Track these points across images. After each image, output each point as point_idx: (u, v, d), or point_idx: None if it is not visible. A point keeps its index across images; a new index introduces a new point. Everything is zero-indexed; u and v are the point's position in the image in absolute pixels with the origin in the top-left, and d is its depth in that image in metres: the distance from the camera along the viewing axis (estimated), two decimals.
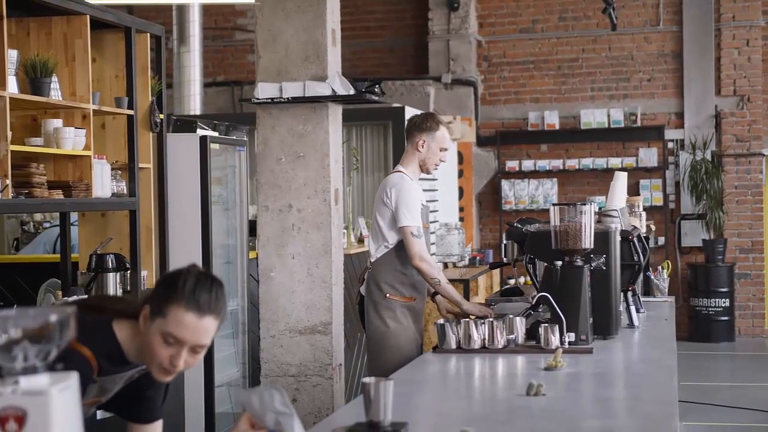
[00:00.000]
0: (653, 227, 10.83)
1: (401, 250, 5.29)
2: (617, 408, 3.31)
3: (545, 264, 4.65)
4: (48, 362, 1.80)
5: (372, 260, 5.41)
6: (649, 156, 12.88)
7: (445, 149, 5.45)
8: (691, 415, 8.39)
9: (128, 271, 5.72)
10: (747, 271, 12.85)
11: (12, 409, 1.74)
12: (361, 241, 8.17)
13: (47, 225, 8.83)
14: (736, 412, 8.64)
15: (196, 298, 2.61)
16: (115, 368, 2.75)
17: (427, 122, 5.42)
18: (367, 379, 2.76)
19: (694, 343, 12.38)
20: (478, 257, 11.12)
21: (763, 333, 12.87)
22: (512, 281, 12.24)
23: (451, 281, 9.01)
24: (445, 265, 10.30)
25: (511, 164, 13.19)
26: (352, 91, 5.95)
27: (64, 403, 1.78)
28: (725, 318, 12.52)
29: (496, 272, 11.40)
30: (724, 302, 12.49)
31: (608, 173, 12.82)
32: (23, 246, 8.16)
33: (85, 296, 5.05)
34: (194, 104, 10.97)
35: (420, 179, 5.30)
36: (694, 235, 12.83)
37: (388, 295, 5.31)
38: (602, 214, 5.24)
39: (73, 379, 1.82)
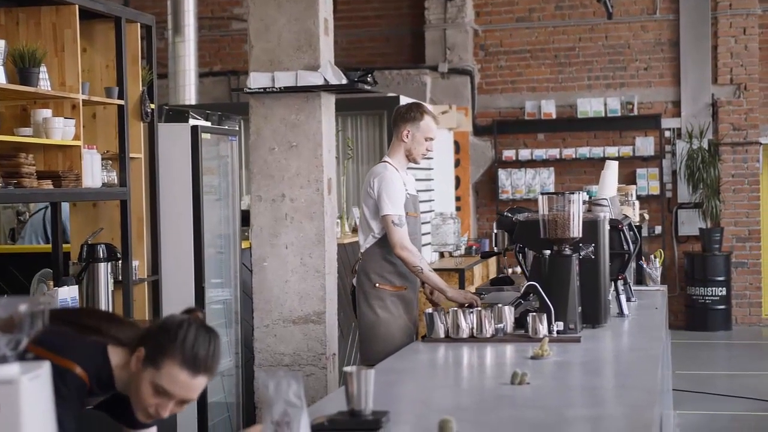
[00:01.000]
0: (647, 216, 10.81)
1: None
2: (600, 396, 3.31)
3: (534, 253, 4.65)
4: (18, 351, 1.80)
5: (361, 251, 5.45)
6: (645, 145, 12.87)
7: (431, 139, 5.45)
8: (686, 404, 8.40)
9: (119, 261, 5.72)
10: (744, 260, 12.85)
11: None
12: (355, 230, 8.17)
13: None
14: (732, 401, 8.65)
15: (193, 356, 2.63)
16: (102, 392, 2.76)
17: (411, 112, 5.43)
18: (348, 369, 2.78)
19: (690, 332, 12.39)
20: (474, 247, 11.12)
21: (759, 322, 12.88)
22: (509, 270, 12.26)
23: (447, 270, 9.09)
24: (441, 255, 10.31)
25: (508, 153, 13.18)
26: (344, 81, 5.94)
27: (34, 392, 1.78)
28: (722, 307, 12.53)
29: (493, 261, 11.41)
30: (721, 291, 12.49)
31: (604, 162, 12.78)
32: (18, 236, 8.16)
33: (83, 308, 4.97)
34: (189, 94, 10.96)
35: (416, 168, 5.33)
36: (690, 224, 12.83)
37: (377, 284, 5.34)
38: (592, 203, 5.24)
39: (44, 368, 1.82)
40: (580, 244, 4.57)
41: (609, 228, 4.89)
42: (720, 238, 12.57)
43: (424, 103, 5.68)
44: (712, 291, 12.49)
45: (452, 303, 5.21)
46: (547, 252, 4.50)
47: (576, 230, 4.49)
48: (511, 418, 2.97)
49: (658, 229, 12.80)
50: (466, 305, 5.14)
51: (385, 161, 5.45)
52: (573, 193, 4.51)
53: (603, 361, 4.13)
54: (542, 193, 4.57)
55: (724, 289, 12.51)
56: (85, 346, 2.70)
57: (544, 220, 4.51)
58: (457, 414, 2.75)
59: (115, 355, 2.73)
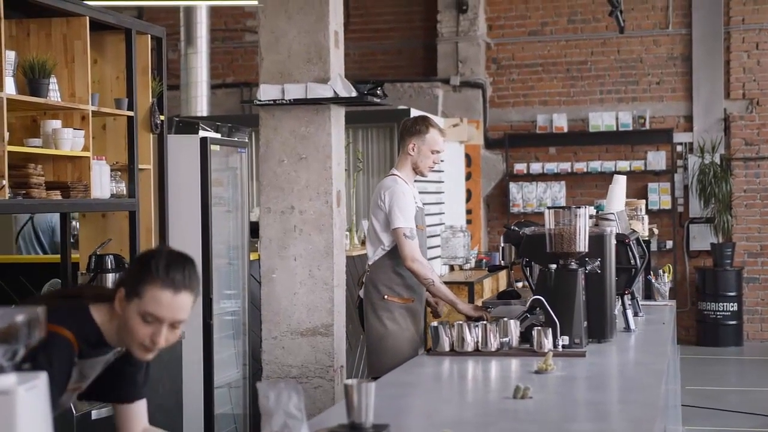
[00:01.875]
0: (656, 231, 10.78)
1: (397, 252, 5.32)
2: (601, 411, 3.30)
3: (540, 267, 4.65)
4: (15, 362, 1.81)
5: (369, 263, 5.48)
6: (657, 159, 12.84)
7: (437, 152, 5.48)
8: (697, 420, 8.37)
9: None
10: (755, 275, 12.81)
11: None
12: (364, 242, 8.17)
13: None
14: (743, 417, 8.61)
15: (170, 277, 2.70)
16: (95, 351, 2.80)
17: (416, 125, 5.47)
18: (348, 381, 2.78)
19: (701, 347, 12.34)
20: (485, 260, 11.11)
21: None
22: (520, 284, 12.22)
23: (456, 284, 9.08)
24: (451, 268, 10.30)
25: (520, 167, 13.18)
26: (354, 93, 5.95)
27: (30, 403, 1.79)
28: (733, 322, 12.48)
29: (503, 275, 11.38)
30: (732, 306, 12.45)
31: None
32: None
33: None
34: (201, 105, 11.00)
35: (426, 181, 5.36)
36: (702, 238, 12.79)
37: (386, 296, 5.37)
38: (599, 218, 5.23)
39: (40, 379, 1.83)
40: (587, 259, 4.57)
41: (616, 242, 4.88)
42: (732, 253, 12.53)
43: (430, 116, 5.71)
44: (723, 306, 12.44)
45: (460, 316, 5.21)
46: (553, 266, 4.49)
47: (582, 245, 4.48)
48: None
49: (670, 244, 12.77)
50: (474, 318, 5.15)
51: (394, 174, 5.49)
52: (579, 208, 4.51)
53: (607, 375, 4.12)
54: (549, 208, 4.57)
55: (736, 304, 12.46)
56: (68, 309, 2.78)
57: (550, 234, 4.51)
58: (459, 427, 2.75)
59: (99, 312, 2.80)
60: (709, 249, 12.69)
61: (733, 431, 8.23)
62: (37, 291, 6.08)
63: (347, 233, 8.48)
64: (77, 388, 2.86)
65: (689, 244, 12.91)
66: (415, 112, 10.30)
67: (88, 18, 5.37)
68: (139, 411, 3.04)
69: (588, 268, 4.55)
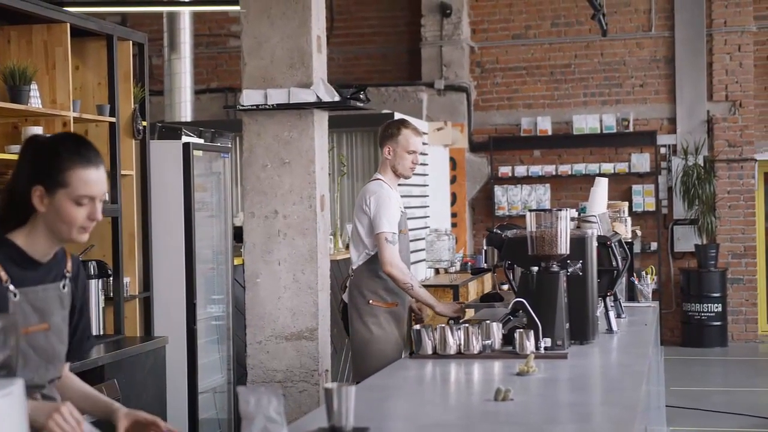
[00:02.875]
0: (639, 232, 10.83)
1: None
2: (581, 413, 3.31)
3: (522, 270, 4.66)
4: None
5: (354, 267, 5.51)
6: (641, 161, 12.89)
7: (413, 152, 5.52)
8: (682, 420, 8.40)
9: (110, 278, 5.73)
10: (739, 276, 12.86)
11: None
12: (348, 247, 8.18)
13: None
14: (728, 417, 8.65)
15: (86, 157, 2.76)
16: (30, 273, 2.78)
17: (389, 129, 5.56)
18: (328, 385, 2.79)
19: (686, 348, 12.39)
20: (470, 263, 11.12)
21: (755, 338, 12.88)
22: (505, 287, 12.24)
23: (441, 287, 9.08)
24: (436, 271, 10.31)
25: (504, 170, 13.21)
26: (336, 98, 5.96)
27: (6, 410, 1.79)
28: (718, 323, 12.53)
29: (488, 278, 11.40)
30: (717, 307, 12.49)
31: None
32: None
33: None
34: (185, 111, 11.00)
35: (411, 184, 5.39)
36: (686, 240, 12.84)
37: (371, 301, 5.41)
38: (581, 220, 5.25)
39: (16, 385, 1.83)
40: (568, 261, 4.58)
41: (597, 244, 4.90)
42: (716, 255, 12.58)
43: (406, 118, 5.77)
44: (707, 307, 12.49)
45: (443, 319, 5.23)
46: (535, 268, 4.50)
47: (563, 247, 4.49)
48: None
49: (654, 246, 12.81)
50: (455, 318, 5.18)
51: (378, 179, 5.53)
52: (560, 210, 4.52)
53: (588, 377, 4.14)
54: (530, 210, 4.58)
55: (720, 305, 12.51)
56: None
57: (531, 237, 4.52)
58: (438, 430, 2.76)
59: (17, 236, 2.78)
60: (693, 250, 12.73)
61: (718, 431, 8.26)
62: None
63: (331, 237, 8.50)
64: (43, 328, 2.81)
65: (673, 245, 12.96)
66: (398, 117, 10.33)
67: (68, 24, 5.37)
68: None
69: (570, 270, 4.57)
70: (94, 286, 5.55)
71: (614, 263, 5.15)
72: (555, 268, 4.51)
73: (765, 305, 13.27)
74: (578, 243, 4.65)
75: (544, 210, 4.56)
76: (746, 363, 11.79)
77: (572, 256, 4.58)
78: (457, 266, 10.56)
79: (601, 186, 5.61)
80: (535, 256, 4.52)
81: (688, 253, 12.89)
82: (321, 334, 5.91)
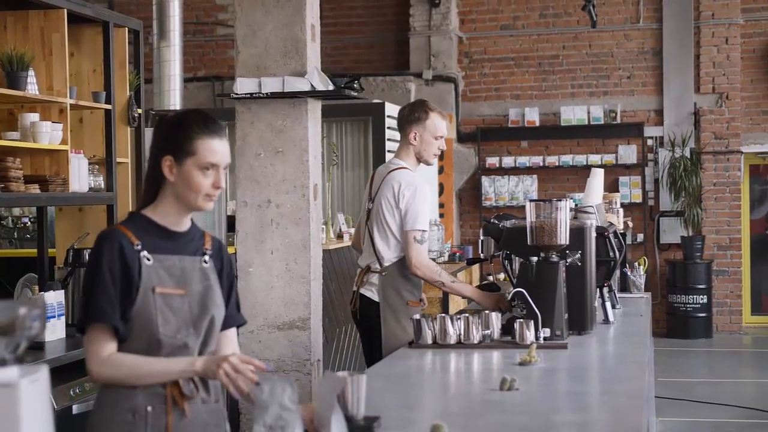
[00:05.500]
0: (630, 224, 10.86)
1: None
2: (588, 402, 3.33)
3: (521, 260, 4.66)
4: (17, 355, 1.80)
5: (384, 263, 5.15)
6: (628, 153, 12.93)
7: (440, 137, 5.23)
8: (668, 411, 8.44)
9: None
10: (725, 268, 12.93)
11: None
12: (340, 236, 8.17)
13: (26, 220, 8.80)
14: (713, 408, 8.70)
15: (211, 129, 2.95)
16: (163, 242, 2.96)
17: (415, 112, 5.21)
18: (340, 374, 2.78)
19: (671, 339, 12.44)
20: (458, 253, 11.12)
21: (740, 329, 12.96)
22: (491, 277, 12.26)
23: None
24: None
25: (492, 161, 13.22)
26: (331, 87, 5.95)
27: (34, 396, 1.78)
28: (703, 314, 12.59)
29: (476, 268, 11.42)
30: (702, 299, 12.56)
31: (588, 170, 12.73)
32: None
33: None
34: (174, 99, 10.89)
35: None
36: (672, 231, 12.90)
37: (409, 302, 5.13)
38: (578, 211, 5.25)
39: (42, 372, 1.82)
40: (567, 251, 4.58)
41: (595, 235, 4.91)
42: (701, 246, 12.64)
43: (427, 101, 5.52)
44: (693, 299, 12.55)
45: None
46: (534, 259, 4.51)
47: (563, 237, 4.50)
48: (500, 424, 2.98)
49: (641, 237, 12.86)
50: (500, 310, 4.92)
51: (405, 168, 5.22)
52: (560, 200, 4.53)
53: (590, 367, 4.15)
54: (530, 200, 4.57)
55: (705, 296, 12.58)
56: (127, 220, 3.00)
57: (531, 227, 4.52)
58: (447, 419, 2.76)
59: (148, 210, 2.98)
60: (679, 242, 12.79)
61: (704, 422, 8.30)
62: (11, 286, 6.03)
63: (323, 227, 8.48)
64: (180, 293, 2.94)
65: (659, 237, 13.01)
66: (389, 106, 10.32)
67: (65, 11, 5.33)
68: (231, 338, 3.16)
69: (568, 260, 4.57)
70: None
71: (611, 254, 5.16)
72: (554, 258, 4.52)
73: (749, 297, 13.35)
74: (577, 233, 4.65)
75: (544, 200, 4.55)
76: (731, 354, 11.87)
77: (571, 247, 4.59)
78: (446, 257, 10.58)
79: (598, 177, 5.62)
80: (535, 246, 4.53)
81: (674, 245, 12.95)
82: (313, 323, 5.90)
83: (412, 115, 5.22)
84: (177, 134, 2.95)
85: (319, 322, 6.00)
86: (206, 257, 3.04)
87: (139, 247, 2.90)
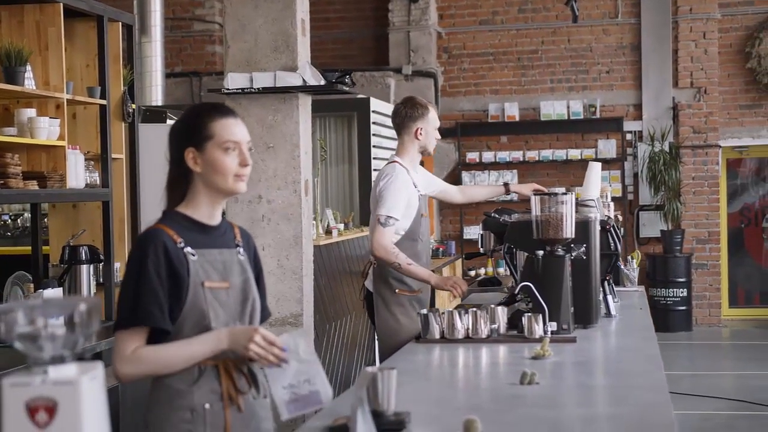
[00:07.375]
0: (620, 217, 10.91)
1: (405, 243, 5.23)
2: (610, 396, 3.32)
3: (526, 254, 4.65)
4: (76, 351, 1.77)
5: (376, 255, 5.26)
6: (608, 147, 12.98)
7: (438, 126, 5.50)
8: None
9: (101, 263, 5.65)
10: (704, 262, 13.01)
11: (42, 400, 1.71)
12: (329, 232, 8.14)
13: (6, 218, 8.72)
14: (695, 400, 8.75)
15: (221, 111, 2.98)
16: (201, 237, 2.94)
17: (418, 110, 5.38)
18: (370, 369, 2.76)
19: None
20: (441, 248, 11.14)
21: (719, 322, 13.04)
22: (482, 271, 12.29)
23: None
24: None
25: (472, 156, 13.23)
26: (322, 82, 5.93)
27: (93, 392, 1.76)
28: (683, 308, 12.67)
29: (458, 263, 11.44)
30: (682, 292, 12.63)
31: (567, 165, 12.92)
32: None
33: None
34: (156, 95, 10.85)
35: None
36: (652, 225, 12.96)
37: (397, 290, 5.27)
38: (579, 204, 5.25)
39: (98, 369, 1.79)
40: (572, 245, 4.58)
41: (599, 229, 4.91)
42: (681, 240, 12.71)
43: (415, 96, 5.64)
44: (673, 292, 12.62)
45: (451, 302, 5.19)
46: (540, 252, 4.50)
47: (569, 231, 4.49)
48: (530, 417, 2.97)
49: (621, 231, 12.89)
50: (457, 295, 5.14)
51: (394, 161, 5.37)
52: (566, 194, 4.52)
53: (602, 361, 4.15)
54: (535, 194, 4.57)
55: (685, 290, 12.65)
56: (164, 218, 2.97)
57: (537, 221, 4.52)
58: (476, 414, 2.74)
59: (182, 208, 2.96)
60: (658, 236, 12.86)
61: (685, 414, 8.34)
62: (1, 284, 5.96)
63: (312, 223, 8.45)
64: (223, 287, 2.93)
65: (639, 231, 13.07)
66: (374, 101, 10.30)
67: (62, 5, 5.27)
68: None
69: (574, 254, 4.57)
70: (86, 272, 5.47)
71: (613, 247, 5.17)
72: (560, 251, 4.51)
73: (728, 290, 13.44)
74: (582, 227, 4.65)
75: (549, 194, 4.54)
76: (711, 347, 11.95)
77: (576, 240, 4.58)
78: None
79: (595, 171, 5.62)
80: (540, 240, 4.52)
81: (653, 239, 13.01)
82: (305, 319, 5.89)
83: (415, 112, 5.38)
84: (191, 125, 2.96)
85: (310, 317, 5.99)
86: (240, 249, 3.03)
87: (182, 245, 2.89)
